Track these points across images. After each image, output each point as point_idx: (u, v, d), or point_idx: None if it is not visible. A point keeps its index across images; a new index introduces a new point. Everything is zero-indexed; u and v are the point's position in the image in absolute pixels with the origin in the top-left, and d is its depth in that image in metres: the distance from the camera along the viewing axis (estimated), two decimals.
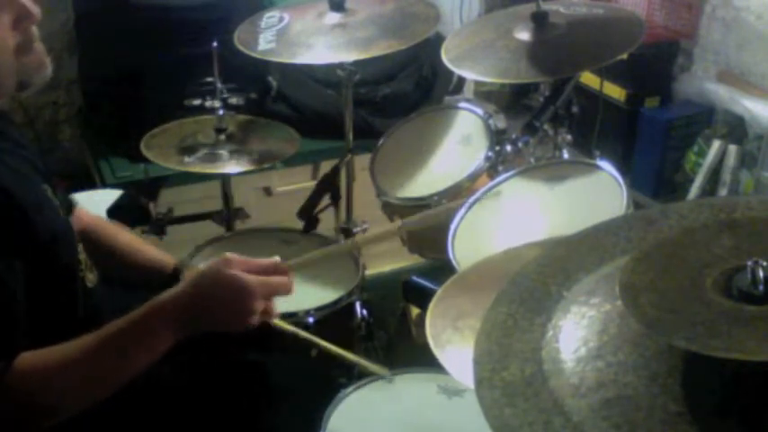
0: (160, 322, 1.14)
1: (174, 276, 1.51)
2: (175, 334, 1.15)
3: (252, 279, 1.19)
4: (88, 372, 1.11)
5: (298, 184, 2.60)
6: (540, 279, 0.90)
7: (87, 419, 1.12)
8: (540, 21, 1.71)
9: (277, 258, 1.29)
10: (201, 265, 1.56)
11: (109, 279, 1.36)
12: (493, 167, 1.79)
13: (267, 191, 2.63)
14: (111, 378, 1.13)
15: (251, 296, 1.18)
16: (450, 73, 2.54)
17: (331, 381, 1.53)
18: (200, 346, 1.28)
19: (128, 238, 1.56)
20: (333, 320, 1.60)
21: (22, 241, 1.09)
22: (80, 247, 1.27)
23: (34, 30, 1.11)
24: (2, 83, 1.10)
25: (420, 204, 1.81)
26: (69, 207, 1.40)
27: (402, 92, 2.74)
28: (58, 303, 1.19)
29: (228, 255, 1.22)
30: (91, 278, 1.29)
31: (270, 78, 2.64)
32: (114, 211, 2.15)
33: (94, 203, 2.10)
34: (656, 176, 2.94)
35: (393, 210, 1.92)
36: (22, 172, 1.16)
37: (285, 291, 1.25)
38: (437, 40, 1.98)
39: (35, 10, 1.09)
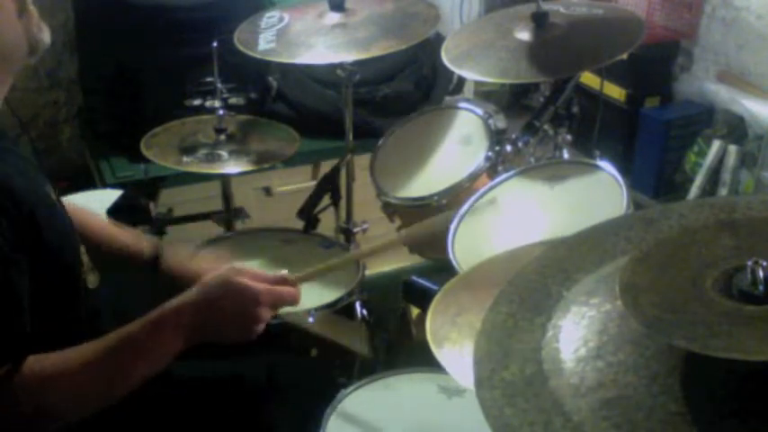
0: (172, 328, 1.14)
1: (154, 263, 1.49)
2: (186, 340, 1.15)
3: (260, 287, 1.19)
4: (97, 375, 1.10)
5: (298, 184, 2.59)
6: (540, 279, 0.90)
7: (88, 418, 1.12)
8: (540, 21, 1.71)
9: (284, 272, 1.29)
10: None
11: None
12: (493, 167, 1.79)
13: (267, 191, 2.62)
14: (120, 382, 1.12)
15: (259, 304, 1.18)
16: (451, 73, 2.54)
17: (331, 381, 1.53)
18: (201, 346, 1.28)
19: (100, 223, 1.53)
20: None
21: (29, 242, 1.08)
22: (82, 249, 1.27)
23: None
24: (16, 48, 1.12)
25: (420, 204, 1.81)
26: None
27: (402, 92, 2.74)
28: (60, 304, 1.18)
29: (238, 265, 1.22)
30: (92, 279, 1.29)
31: (270, 78, 2.63)
32: (114, 212, 2.14)
33: (94, 203, 2.10)
34: (656, 176, 2.94)
35: (393, 210, 1.92)
36: (26, 172, 1.16)
37: (292, 301, 1.26)
38: (437, 40, 1.99)
39: None
